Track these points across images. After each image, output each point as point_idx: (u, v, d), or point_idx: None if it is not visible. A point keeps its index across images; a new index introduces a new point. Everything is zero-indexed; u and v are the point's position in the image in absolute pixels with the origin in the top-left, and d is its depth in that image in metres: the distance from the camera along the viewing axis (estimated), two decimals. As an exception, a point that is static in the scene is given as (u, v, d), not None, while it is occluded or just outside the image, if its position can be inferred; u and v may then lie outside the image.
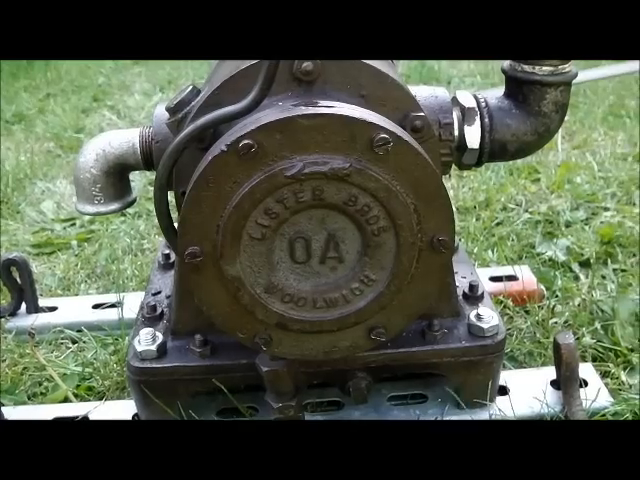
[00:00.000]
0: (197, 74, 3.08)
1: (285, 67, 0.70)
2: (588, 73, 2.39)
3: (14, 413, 0.96)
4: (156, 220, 1.57)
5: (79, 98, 2.80)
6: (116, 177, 0.87)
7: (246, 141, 0.65)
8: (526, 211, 1.55)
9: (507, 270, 1.26)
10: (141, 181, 1.83)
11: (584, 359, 1.04)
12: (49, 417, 0.94)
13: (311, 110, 0.66)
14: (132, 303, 1.16)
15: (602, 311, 1.16)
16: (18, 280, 1.18)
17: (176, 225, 0.76)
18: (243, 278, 0.71)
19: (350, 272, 0.73)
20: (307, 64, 0.72)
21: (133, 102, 2.70)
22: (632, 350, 1.06)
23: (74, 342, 1.15)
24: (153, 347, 0.86)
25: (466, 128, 0.85)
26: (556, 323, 1.14)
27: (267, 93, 0.67)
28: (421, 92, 0.83)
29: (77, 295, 1.32)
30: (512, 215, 1.54)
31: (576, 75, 0.85)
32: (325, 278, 0.73)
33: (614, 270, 1.29)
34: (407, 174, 0.68)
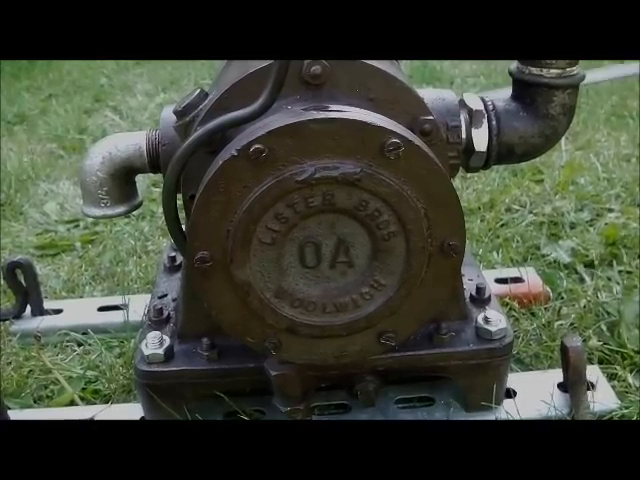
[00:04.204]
0: (199, 74, 3.08)
1: (293, 70, 0.70)
2: (591, 75, 2.39)
3: (20, 416, 0.96)
4: (160, 221, 1.59)
5: (81, 99, 2.80)
6: (122, 180, 0.87)
7: (257, 146, 0.65)
8: (530, 212, 1.55)
9: (512, 272, 1.26)
10: (144, 182, 1.82)
11: (591, 361, 1.04)
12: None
13: (322, 115, 0.66)
14: (137, 305, 1.16)
15: (608, 313, 1.16)
16: (23, 282, 1.18)
17: (184, 228, 0.76)
18: (253, 283, 0.71)
19: (360, 277, 0.73)
20: (315, 67, 0.72)
21: (135, 103, 2.69)
22: (638, 352, 1.05)
23: (79, 345, 1.15)
24: (160, 351, 0.86)
25: (473, 131, 0.85)
26: (562, 325, 1.14)
27: (277, 97, 0.67)
28: (428, 95, 0.83)
29: (82, 297, 1.32)
30: (516, 216, 1.54)
31: (584, 78, 0.85)
32: (335, 283, 0.73)
33: (619, 272, 1.29)
34: (418, 179, 0.68)
